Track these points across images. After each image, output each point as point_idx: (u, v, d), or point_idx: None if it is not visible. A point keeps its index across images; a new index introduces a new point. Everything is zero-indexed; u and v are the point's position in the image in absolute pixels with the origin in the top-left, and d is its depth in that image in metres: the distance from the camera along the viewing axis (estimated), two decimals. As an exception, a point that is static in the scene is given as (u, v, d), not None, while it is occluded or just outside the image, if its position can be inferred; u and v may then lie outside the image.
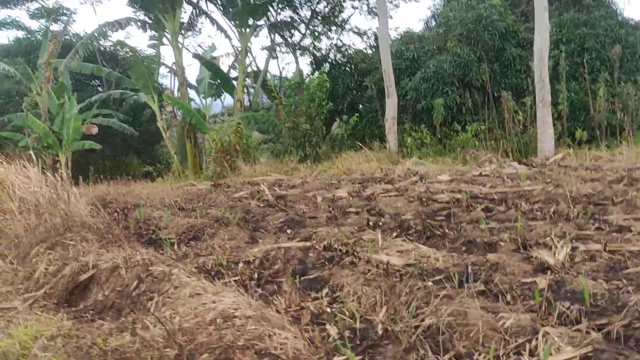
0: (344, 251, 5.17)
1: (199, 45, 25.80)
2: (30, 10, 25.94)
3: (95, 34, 14.27)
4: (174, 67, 15.50)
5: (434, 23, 19.51)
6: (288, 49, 20.57)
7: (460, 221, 6.39)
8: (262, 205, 9.10)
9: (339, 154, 13.31)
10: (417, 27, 19.70)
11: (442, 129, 14.23)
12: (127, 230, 7.54)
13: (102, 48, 21.33)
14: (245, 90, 17.85)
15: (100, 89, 25.44)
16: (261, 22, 17.18)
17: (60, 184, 8.64)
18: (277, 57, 21.09)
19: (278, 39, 21.03)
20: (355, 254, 4.97)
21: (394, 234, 6.00)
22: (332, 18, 20.61)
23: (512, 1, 17.73)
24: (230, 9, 15.62)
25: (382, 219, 6.84)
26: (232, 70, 19.31)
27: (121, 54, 24.26)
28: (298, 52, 20.39)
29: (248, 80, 18.51)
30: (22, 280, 6.03)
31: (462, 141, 12.78)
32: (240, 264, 5.30)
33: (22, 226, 7.13)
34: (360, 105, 17.62)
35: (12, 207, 7.77)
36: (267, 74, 20.79)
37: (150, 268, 5.13)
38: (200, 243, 6.44)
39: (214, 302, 3.74)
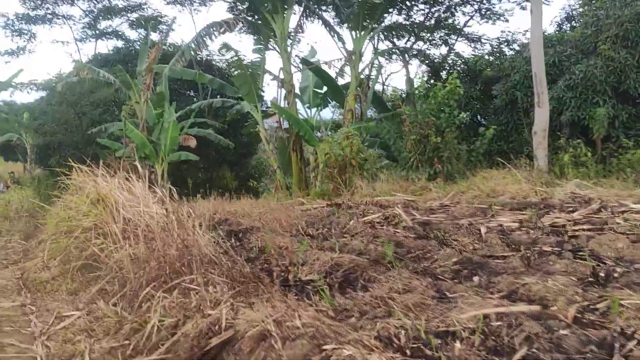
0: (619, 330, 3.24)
1: (300, 52, 24.57)
2: (131, 19, 25.87)
3: (202, 34, 13.15)
4: (280, 73, 14.17)
5: (569, 25, 17.17)
6: (397, 56, 18.87)
7: None
8: (411, 235, 7.32)
9: (475, 171, 11.29)
10: (548, 30, 17.23)
11: (603, 145, 11.92)
12: (251, 263, 5.96)
13: (199, 57, 20.50)
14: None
15: (195, 99, 24.74)
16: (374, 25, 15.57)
17: (169, 202, 7.18)
18: (379, 65, 19.39)
19: (380, 45, 19.41)
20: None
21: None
22: (446, 23, 18.71)
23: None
24: (344, 10, 14.10)
25: (612, 268, 4.88)
26: (338, 78, 17.77)
27: (219, 62, 23.46)
28: (407, 59, 18.65)
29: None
30: (130, 334, 4.50)
31: (636, 160, 10.44)
32: (457, 343, 3.45)
33: (128, 256, 5.65)
34: (483, 118, 15.56)
35: (115, 229, 6.34)
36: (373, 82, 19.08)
37: (324, 346, 3.45)
38: (360, 293, 4.69)
39: None
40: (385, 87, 21.70)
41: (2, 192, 21.93)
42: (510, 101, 14.50)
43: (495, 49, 18.61)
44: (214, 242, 6.09)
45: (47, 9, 26.26)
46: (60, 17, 26.90)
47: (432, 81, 15.95)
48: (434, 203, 10.05)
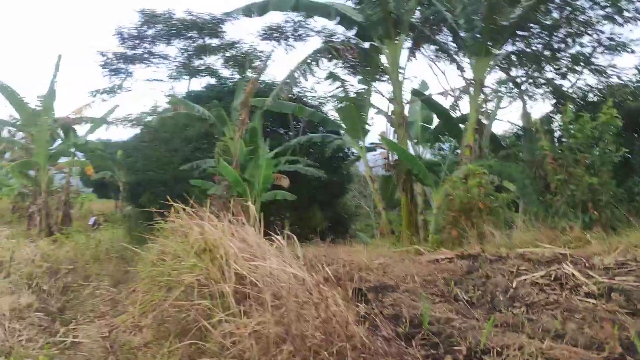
0: None
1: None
2: (225, 56, 25.61)
3: (308, 61, 11.99)
4: (389, 106, 12.72)
5: None
6: (509, 88, 16.98)
7: None
8: (611, 306, 5.45)
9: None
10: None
11: None
12: (406, 343, 4.35)
13: (291, 94, 19.49)
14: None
15: (286, 136, 23.80)
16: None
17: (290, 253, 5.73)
18: (499, 96, 17.46)
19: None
20: None
21: None
22: (570, 53, 16.70)
23: None
24: (463, 34, 12.54)
25: None
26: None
27: (312, 99, 22.44)
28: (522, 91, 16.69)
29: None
30: None
31: None
32: None
33: (248, 330, 4.17)
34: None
35: (226, 290, 4.91)
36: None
37: None
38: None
39: None
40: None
41: (93, 229, 21.62)
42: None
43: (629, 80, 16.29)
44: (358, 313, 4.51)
45: (145, 48, 26.55)
46: (156, 57, 27.12)
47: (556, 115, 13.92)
48: (605, 259, 7.99)
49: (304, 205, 23.87)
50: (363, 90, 13.32)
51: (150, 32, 25.99)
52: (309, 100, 23.79)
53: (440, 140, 16.17)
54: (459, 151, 13.74)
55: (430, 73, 21.42)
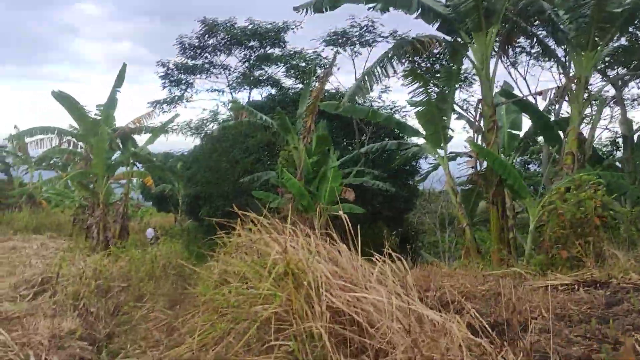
0: None
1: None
2: (288, 65, 24.69)
3: (389, 55, 10.53)
4: (479, 106, 11.10)
5: None
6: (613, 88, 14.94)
7: None
8: None
9: None
10: None
11: None
12: None
13: (365, 98, 18.18)
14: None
15: (350, 147, 22.49)
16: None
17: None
18: (602, 98, 15.43)
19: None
20: None
21: None
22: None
23: None
24: (565, 25, 10.80)
25: None
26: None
27: (381, 109, 21.06)
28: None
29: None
30: None
31: None
32: None
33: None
34: None
35: (318, 329, 3.53)
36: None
37: None
38: None
39: None
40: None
41: (151, 243, 20.89)
42: None
43: None
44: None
45: (205, 58, 25.97)
46: (217, 67, 26.51)
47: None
48: None
49: (368, 221, 22.38)
50: (446, 91, 11.78)
51: (211, 41, 25.40)
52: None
53: (529, 148, 14.44)
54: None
55: (509, 73, 19.67)
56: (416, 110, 12.20)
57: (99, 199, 18.44)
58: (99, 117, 18.91)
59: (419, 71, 15.32)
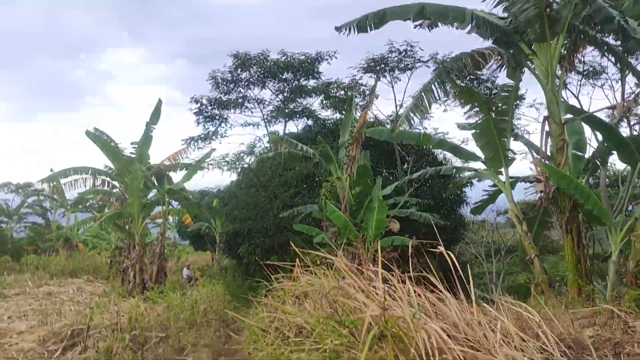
0: None
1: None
2: (325, 94, 23.94)
3: (447, 69, 9.51)
4: (546, 123, 9.90)
5: None
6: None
7: None
8: None
9: None
10: None
11: None
12: None
13: (423, 118, 17.13)
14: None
15: (391, 177, 21.42)
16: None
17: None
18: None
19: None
20: None
21: None
22: None
23: None
24: (634, 34, 9.70)
25: None
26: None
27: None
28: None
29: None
30: None
31: None
32: None
33: None
34: None
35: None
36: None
37: None
38: None
39: None
40: None
41: (188, 283, 20.02)
42: None
43: None
44: None
45: (239, 92, 25.44)
46: (251, 101, 25.94)
47: None
48: None
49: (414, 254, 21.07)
50: (505, 108, 10.67)
51: (244, 75, 24.89)
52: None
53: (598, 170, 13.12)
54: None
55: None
56: (472, 132, 11.12)
57: (135, 240, 17.74)
58: (133, 155, 18.37)
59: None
